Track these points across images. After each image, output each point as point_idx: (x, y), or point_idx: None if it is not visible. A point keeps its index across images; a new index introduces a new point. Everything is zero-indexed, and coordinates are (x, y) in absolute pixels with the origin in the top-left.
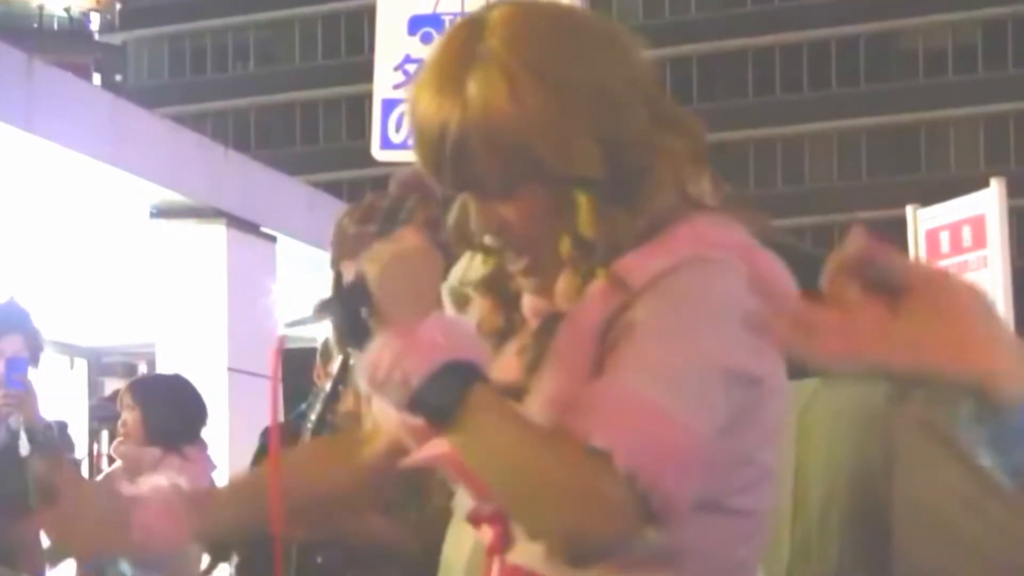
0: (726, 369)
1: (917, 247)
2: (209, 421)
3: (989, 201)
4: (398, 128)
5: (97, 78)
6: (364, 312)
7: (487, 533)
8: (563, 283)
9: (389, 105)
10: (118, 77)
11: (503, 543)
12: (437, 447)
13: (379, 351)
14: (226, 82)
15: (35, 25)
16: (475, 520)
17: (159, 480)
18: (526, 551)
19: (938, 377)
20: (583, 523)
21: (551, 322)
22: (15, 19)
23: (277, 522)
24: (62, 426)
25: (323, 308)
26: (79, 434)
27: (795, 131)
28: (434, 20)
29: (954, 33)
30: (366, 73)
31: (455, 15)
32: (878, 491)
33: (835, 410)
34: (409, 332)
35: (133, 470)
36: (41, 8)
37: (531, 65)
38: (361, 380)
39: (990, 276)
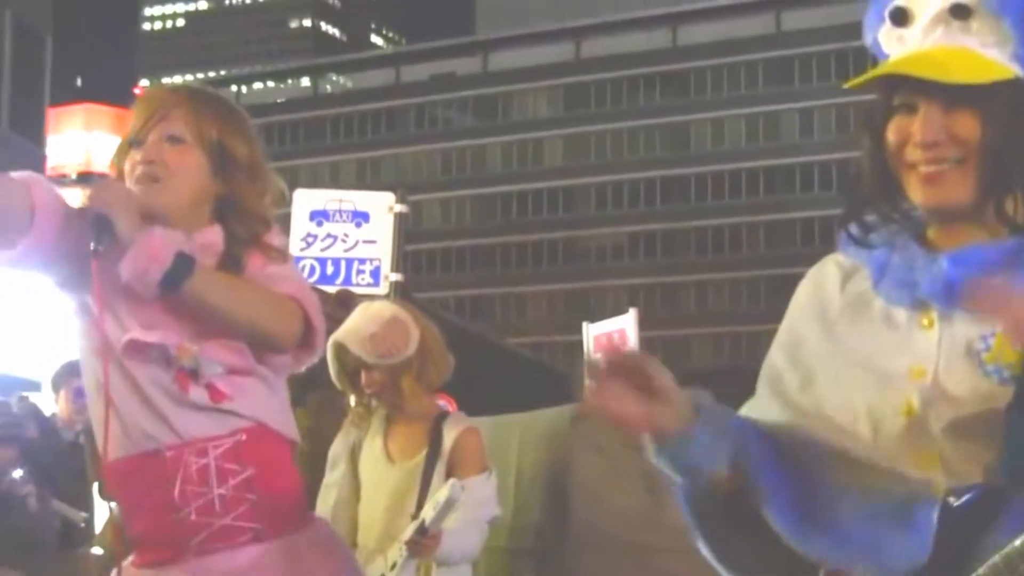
0: None
1: (588, 346)
2: None
3: (629, 321)
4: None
5: None
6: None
7: None
8: None
9: (297, 260)
10: None
11: None
12: None
13: (134, 255)
14: None
15: None
16: None
17: None
18: None
19: None
20: (281, 325)
21: None
22: None
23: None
24: None
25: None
26: None
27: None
28: (323, 213)
29: (611, 236)
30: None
31: (337, 211)
32: (561, 478)
33: (539, 430)
34: (148, 240)
35: None
36: None
37: None
38: (127, 276)
39: None
